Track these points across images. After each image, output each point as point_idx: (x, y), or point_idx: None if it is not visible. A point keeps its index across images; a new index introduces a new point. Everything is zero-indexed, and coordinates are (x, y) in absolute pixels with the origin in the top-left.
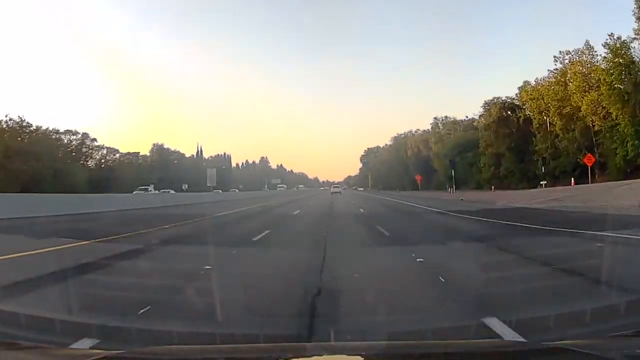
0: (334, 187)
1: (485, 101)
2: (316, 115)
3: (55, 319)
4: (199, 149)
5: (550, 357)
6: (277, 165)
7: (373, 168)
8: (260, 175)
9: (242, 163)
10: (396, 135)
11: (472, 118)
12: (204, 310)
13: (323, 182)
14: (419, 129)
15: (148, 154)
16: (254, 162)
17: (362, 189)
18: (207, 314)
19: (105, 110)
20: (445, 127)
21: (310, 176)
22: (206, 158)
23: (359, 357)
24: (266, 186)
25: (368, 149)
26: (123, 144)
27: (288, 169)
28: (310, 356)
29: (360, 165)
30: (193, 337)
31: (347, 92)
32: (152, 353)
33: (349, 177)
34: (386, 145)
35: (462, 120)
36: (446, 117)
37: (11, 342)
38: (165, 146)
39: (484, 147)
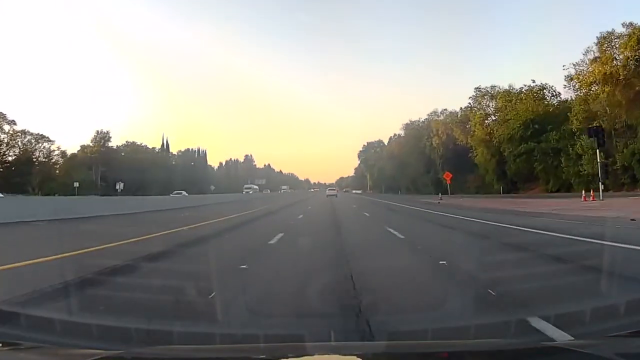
0: (329, 189)
1: (603, 34)
2: (309, 114)
3: None
4: (165, 142)
5: (549, 357)
6: (265, 165)
7: (374, 166)
8: (244, 175)
9: (225, 162)
10: (409, 122)
11: (544, 83)
12: None
13: (314, 183)
14: (445, 109)
15: (90, 144)
16: (237, 160)
17: (359, 191)
18: None
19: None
20: (502, 98)
21: (301, 177)
22: (174, 153)
23: (359, 357)
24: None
25: (368, 143)
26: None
27: (277, 169)
28: (310, 356)
29: (357, 164)
30: (193, 337)
31: (343, 87)
32: (152, 353)
33: (341, 178)
34: (395, 135)
35: (524, 88)
36: (493, 86)
37: (11, 342)
38: (110, 135)
39: (580, 122)
